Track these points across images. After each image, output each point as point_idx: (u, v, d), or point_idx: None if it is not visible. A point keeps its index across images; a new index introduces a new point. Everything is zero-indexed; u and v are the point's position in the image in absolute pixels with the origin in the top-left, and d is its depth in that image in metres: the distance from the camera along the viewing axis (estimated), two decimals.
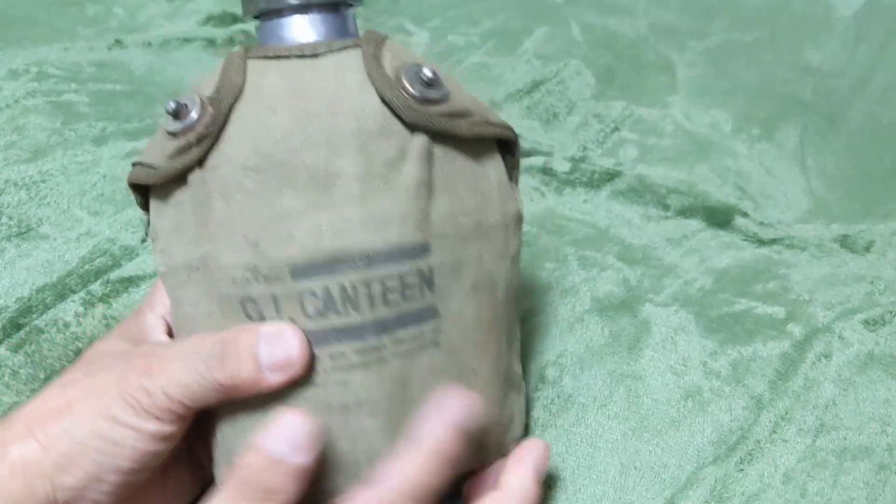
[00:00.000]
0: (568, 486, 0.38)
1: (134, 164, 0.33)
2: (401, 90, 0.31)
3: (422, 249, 0.31)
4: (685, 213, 0.52)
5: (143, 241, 0.39)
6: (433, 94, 0.32)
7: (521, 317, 0.45)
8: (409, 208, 0.31)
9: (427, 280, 0.32)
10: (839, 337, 0.44)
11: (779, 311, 0.46)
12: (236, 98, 0.31)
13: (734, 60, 0.63)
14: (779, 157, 0.56)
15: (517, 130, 0.57)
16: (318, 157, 0.30)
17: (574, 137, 0.57)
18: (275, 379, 0.30)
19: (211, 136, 0.30)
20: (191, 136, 0.31)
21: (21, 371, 0.40)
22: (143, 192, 0.34)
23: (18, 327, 0.42)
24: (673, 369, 0.43)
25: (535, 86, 0.61)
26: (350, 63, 0.31)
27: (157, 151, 0.32)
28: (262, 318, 0.31)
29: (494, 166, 0.35)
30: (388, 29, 0.66)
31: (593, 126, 0.58)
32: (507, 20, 0.67)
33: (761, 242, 0.50)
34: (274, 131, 0.30)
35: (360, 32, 0.34)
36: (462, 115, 0.33)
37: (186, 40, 0.63)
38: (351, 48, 0.32)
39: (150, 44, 0.63)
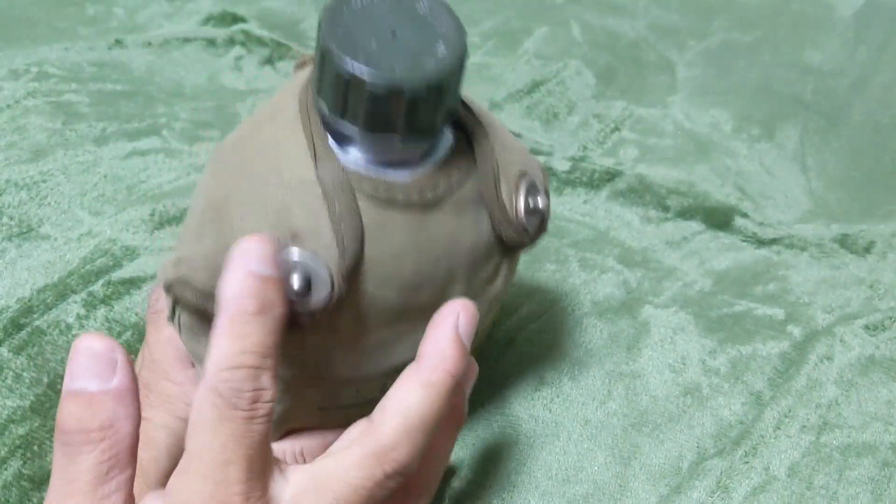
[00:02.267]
0: (570, 475, 0.39)
1: (191, 289, 0.28)
2: (516, 226, 0.30)
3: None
4: (685, 214, 0.52)
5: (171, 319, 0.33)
6: (535, 220, 0.31)
7: (520, 322, 0.45)
8: (489, 307, 0.32)
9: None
10: (840, 340, 0.44)
11: (778, 313, 0.46)
12: (361, 258, 0.27)
13: (734, 60, 0.63)
14: (779, 157, 0.56)
15: (517, 130, 0.57)
16: (433, 294, 0.29)
17: (574, 137, 0.57)
18: None
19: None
20: (318, 316, 0.27)
21: (24, 374, 0.40)
22: None
23: (20, 328, 0.42)
24: (672, 367, 0.43)
25: (535, 86, 0.61)
26: (468, 195, 0.29)
27: None
28: (337, 404, 0.31)
29: None
30: None
31: (593, 126, 0.58)
32: (507, 20, 0.67)
33: (761, 243, 0.50)
34: (395, 283, 0.28)
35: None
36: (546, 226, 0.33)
37: (186, 40, 0.63)
38: (465, 176, 0.29)
39: (150, 44, 0.63)
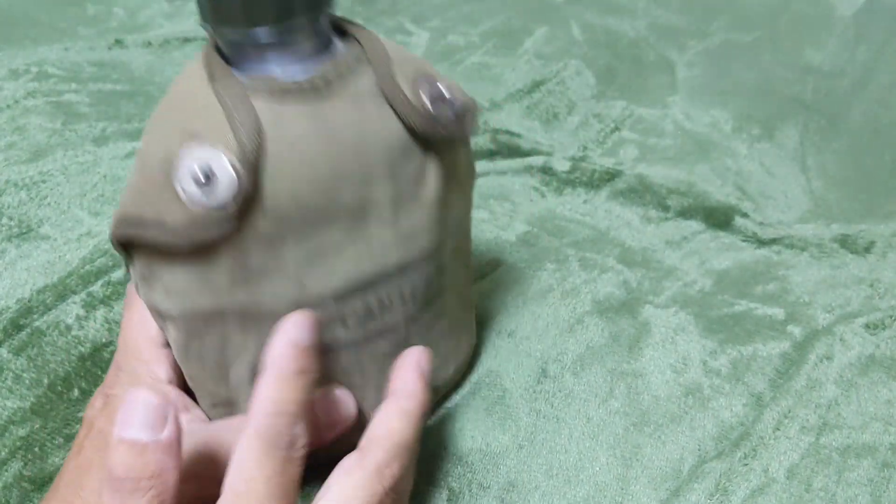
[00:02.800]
0: (571, 476, 0.39)
1: (124, 218, 0.30)
2: (421, 109, 0.31)
3: (441, 246, 0.34)
4: (685, 214, 0.52)
5: (127, 278, 0.35)
6: (446, 108, 0.32)
7: (521, 318, 0.45)
8: (434, 217, 0.33)
9: (442, 269, 0.35)
10: (840, 339, 0.44)
11: (778, 313, 0.46)
12: (262, 148, 0.28)
13: (734, 60, 0.63)
14: (779, 157, 0.56)
15: (517, 130, 0.57)
16: (354, 193, 0.30)
17: (574, 137, 0.57)
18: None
19: (247, 199, 0.28)
20: (231, 209, 0.28)
21: (24, 375, 0.40)
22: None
23: (19, 328, 0.42)
24: (673, 367, 0.43)
25: (535, 86, 0.61)
26: (364, 87, 0.30)
27: (175, 214, 0.28)
28: None
29: (468, 148, 0.37)
30: (387, 29, 0.66)
31: (593, 126, 0.58)
32: (507, 20, 0.67)
33: (761, 243, 0.50)
34: (309, 182, 0.29)
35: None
36: (463, 114, 0.33)
37: (186, 40, 0.63)
38: (358, 67, 0.31)
39: (150, 44, 0.63)
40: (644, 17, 0.67)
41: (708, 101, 0.60)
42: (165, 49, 0.62)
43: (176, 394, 0.35)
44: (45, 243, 0.46)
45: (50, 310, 0.42)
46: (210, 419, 0.35)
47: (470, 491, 0.38)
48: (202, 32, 0.64)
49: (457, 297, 0.37)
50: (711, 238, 0.50)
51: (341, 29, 0.32)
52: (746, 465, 0.39)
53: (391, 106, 0.31)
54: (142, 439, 0.27)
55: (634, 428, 0.40)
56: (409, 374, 0.33)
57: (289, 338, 0.30)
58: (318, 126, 0.29)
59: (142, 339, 0.35)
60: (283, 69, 0.30)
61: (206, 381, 0.34)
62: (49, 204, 0.48)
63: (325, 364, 0.33)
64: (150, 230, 0.29)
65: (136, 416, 0.27)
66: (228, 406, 0.34)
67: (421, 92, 0.31)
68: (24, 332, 0.41)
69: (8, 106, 0.55)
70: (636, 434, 0.40)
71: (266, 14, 0.28)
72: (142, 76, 0.59)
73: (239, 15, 0.28)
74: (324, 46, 0.31)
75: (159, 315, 0.32)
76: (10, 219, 0.47)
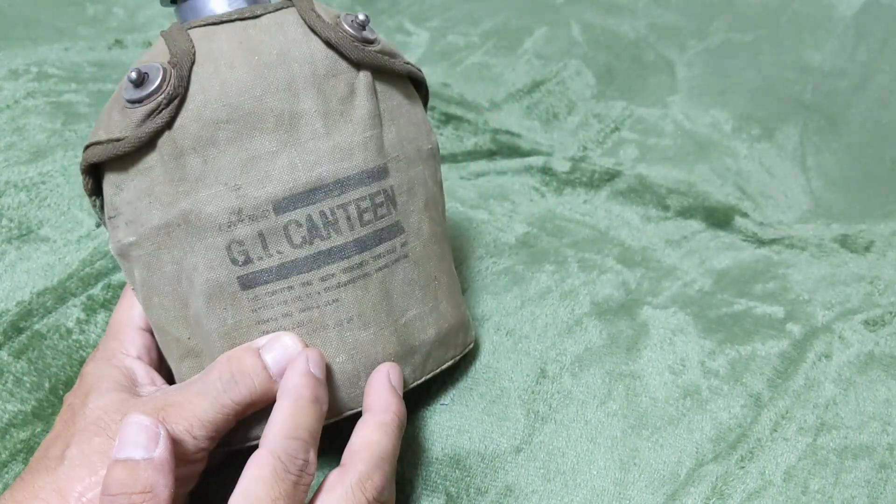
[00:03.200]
0: (568, 480, 0.39)
1: (87, 147, 0.34)
2: (342, 32, 0.35)
3: (383, 171, 0.35)
4: (685, 213, 0.52)
5: (98, 225, 0.40)
6: (369, 35, 0.36)
7: (520, 319, 0.45)
8: (368, 136, 0.35)
9: (391, 199, 0.36)
10: (839, 337, 0.44)
11: (778, 311, 0.46)
12: (193, 61, 0.33)
13: (734, 60, 0.63)
14: (779, 157, 0.56)
15: (517, 130, 0.57)
16: (281, 101, 0.33)
17: (574, 137, 0.57)
18: (281, 377, 0.33)
19: (178, 97, 0.33)
20: (160, 98, 0.32)
21: (25, 379, 0.40)
22: (95, 175, 0.35)
23: (19, 331, 0.42)
24: (671, 369, 0.43)
25: (535, 86, 0.61)
26: (288, 18, 0.35)
27: (120, 124, 0.33)
28: (248, 260, 0.33)
29: (419, 102, 0.39)
30: (387, 29, 0.66)
31: (593, 126, 0.58)
32: (507, 20, 0.67)
33: (761, 242, 0.50)
34: (236, 84, 0.33)
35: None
36: (393, 55, 0.37)
37: None
38: (284, 8, 0.35)
39: (150, 44, 0.63)
40: (644, 17, 0.67)
41: (708, 101, 0.60)
42: None
43: (143, 368, 0.36)
44: (45, 245, 0.46)
45: (50, 313, 0.43)
46: (179, 379, 0.36)
47: (468, 495, 0.38)
48: None
49: (423, 247, 0.38)
50: (711, 237, 0.50)
51: None
52: (743, 468, 0.39)
53: (312, 31, 0.34)
54: (134, 457, 0.29)
55: (632, 430, 0.40)
56: (379, 387, 0.34)
57: (305, 367, 0.33)
58: (243, 41, 0.34)
59: (123, 322, 0.37)
60: (220, 10, 0.35)
61: (169, 327, 0.35)
62: (49, 205, 0.48)
63: (280, 300, 0.34)
64: (103, 147, 0.33)
65: (129, 436, 0.29)
66: (195, 357, 0.35)
67: (341, 20, 0.35)
68: (24, 335, 0.41)
69: (8, 106, 0.55)
70: (634, 437, 0.40)
71: None
72: None
73: None
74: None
75: (126, 258, 0.35)
76: (10, 220, 0.47)
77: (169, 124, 0.33)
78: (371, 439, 0.33)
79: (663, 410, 0.41)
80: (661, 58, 0.64)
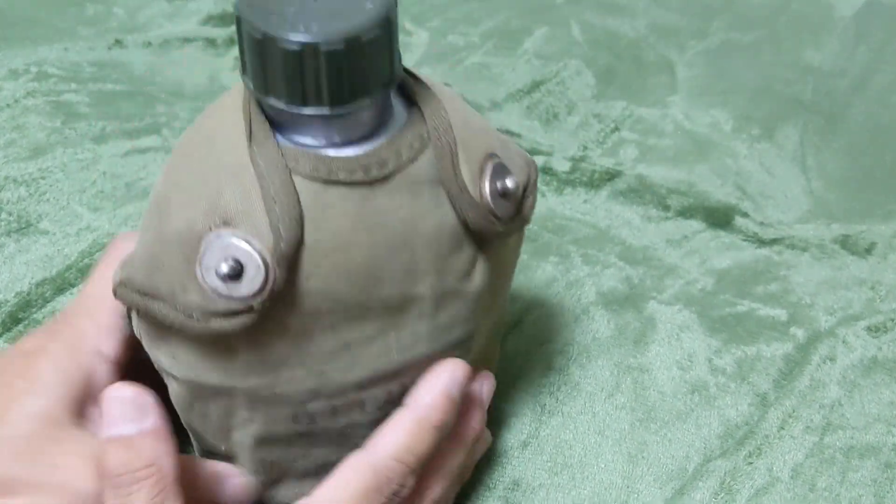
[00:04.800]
0: (576, 473, 0.38)
1: (131, 286, 0.27)
2: (482, 210, 0.28)
3: (475, 334, 0.31)
4: (685, 213, 0.52)
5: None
6: (507, 204, 0.29)
7: (526, 307, 0.45)
8: (473, 308, 0.30)
9: (469, 349, 0.32)
10: (843, 342, 0.44)
11: (781, 314, 0.46)
12: (301, 242, 0.25)
13: (734, 60, 0.63)
14: (779, 157, 0.56)
15: (517, 130, 0.57)
16: (395, 289, 0.27)
17: (574, 137, 0.57)
18: None
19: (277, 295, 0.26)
20: (254, 303, 0.25)
21: None
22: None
23: (18, 321, 0.42)
24: (679, 364, 0.43)
25: (535, 86, 0.61)
26: (423, 173, 0.27)
27: (192, 297, 0.26)
28: (311, 422, 0.30)
29: (520, 236, 0.34)
30: None
31: (593, 126, 0.58)
32: (507, 20, 0.67)
33: (762, 242, 0.50)
34: (347, 274, 0.26)
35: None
36: (525, 216, 0.30)
37: (186, 40, 0.63)
38: (417, 157, 0.27)
39: (150, 44, 0.62)
40: (644, 17, 0.67)
41: (708, 101, 0.60)
42: (165, 49, 0.62)
43: (110, 378, 0.31)
44: (44, 238, 0.46)
45: (48, 303, 0.42)
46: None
47: (474, 491, 0.38)
48: (202, 32, 0.64)
49: (489, 339, 0.34)
50: (712, 237, 0.50)
51: (407, 91, 0.28)
52: (751, 464, 0.39)
53: (449, 198, 0.27)
54: (126, 433, 0.27)
55: (640, 424, 0.40)
56: (435, 383, 0.30)
57: (444, 387, 0.30)
58: (365, 217, 0.26)
59: (102, 297, 0.31)
60: (332, 143, 0.26)
61: (205, 435, 0.31)
62: (48, 200, 0.48)
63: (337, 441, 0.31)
64: (162, 306, 0.26)
65: (115, 413, 0.27)
66: (225, 460, 0.32)
67: (485, 184, 0.28)
68: (22, 325, 0.41)
69: (8, 105, 0.54)
70: (642, 430, 0.40)
71: (321, 95, 0.24)
72: (142, 76, 0.59)
73: (289, 91, 0.24)
74: (383, 118, 0.27)
75: (161, 370, 0.30)
76: (10, 214, 0.47)
77: (259, 315, 0.26)
78: (398, 437, 0.29)
79: (671, 405, 0.41)
80: (662, 58, 0.64)
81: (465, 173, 0.27)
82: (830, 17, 0.66)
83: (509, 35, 0.65)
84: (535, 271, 0.47)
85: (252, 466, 0.32)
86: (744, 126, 0.58)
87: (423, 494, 0.31)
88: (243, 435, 0.30)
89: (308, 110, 0.25)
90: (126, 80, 0.59)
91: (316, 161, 0.25)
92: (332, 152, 0.26)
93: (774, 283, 0.48)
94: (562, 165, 0.55)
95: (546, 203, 0.52)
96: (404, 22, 0.66)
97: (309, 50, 0.23)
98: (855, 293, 0.47)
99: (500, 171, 0.28)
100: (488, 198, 0.28)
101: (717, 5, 0.68)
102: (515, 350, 0.43)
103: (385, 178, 0.26)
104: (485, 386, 0.34)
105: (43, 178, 0.49)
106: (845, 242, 0.50)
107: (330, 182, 0.25)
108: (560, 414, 0.41)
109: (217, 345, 0.27)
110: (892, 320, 0.46)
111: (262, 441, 0.30)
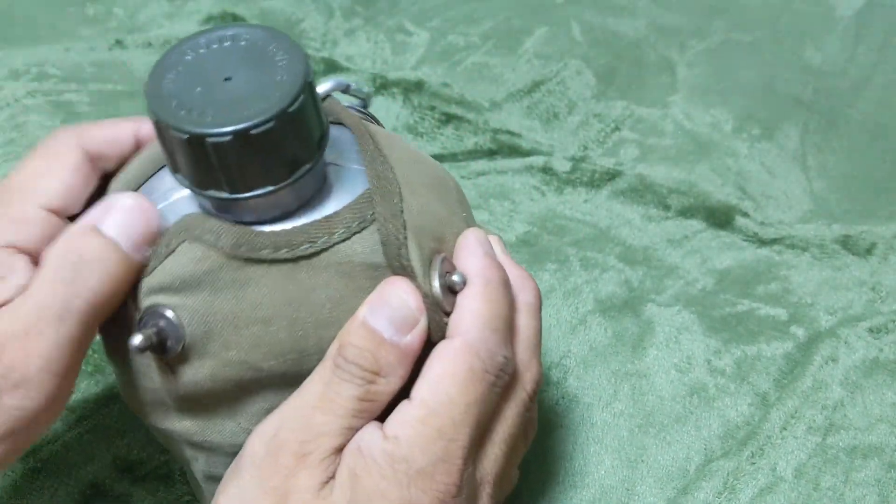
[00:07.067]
0: (577, 481, 0.39)
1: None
2: (433, 305, 0.26)
3: None
4: (686, 213, 0.52)
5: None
6: (451, 297, 0.27)
7: None
8: None
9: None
10: (845, 342, 0.44)
11: (781, 313, 0.46)
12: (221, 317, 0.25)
13: (735, 60, 0.63)
14: (779, 157, 0.56)
15: (517, 130, 0.57)
16: (312, 364, 0.26)
17: (574, 137, 0.57)
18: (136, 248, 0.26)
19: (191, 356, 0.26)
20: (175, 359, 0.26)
21: None
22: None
23: None
24: (677, 367, 0.43)
25: (535, 86, 0.61)
26: (358, 253, 0.26)
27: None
28: None
29: None
30: (388, 29, 0.66)
31: (594, 126, 0.58)
32: (507, 20, 0.67)
33: (762, 242, 0.50)
34: (269, 346, 0.26)
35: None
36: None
37: None
38: (356, 233, 0.26)
39: (150, 44, 0.62)
40: (644, 17, 0.67)
41: (708, 101, 0.60)
42: (165, 49, 0.62)
43: (23, 265, 0.26)
44: None
45: None
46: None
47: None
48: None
49: None
50: (712, 237, 0.50)
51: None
52: (754, 463, 0.39)
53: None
54: (385, 334, 0.25)
55: (639, 429, 0.40)
56: (469, 253, 0.28)
57: (484, 250, 0.27)
58: (288, 293, 0.25)
59: (26, 189, 0.28)
60: (262, 220, 0.26)
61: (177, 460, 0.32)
62: None
63: None
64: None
65: (398, 309, 0.25)
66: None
67: (434, 276, 0.26)
68: None
69: (8, 104, 0.55)
70: (641, 435, 0.40)
71: (218, 181, 0.24)
72: (142, 76, 0.59)
73: (190, 174, 0.25)
74: (318, 187, 0.27)
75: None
76: None
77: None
78: (473, 308, 0.26)
79: (670, 408, 0.41)
80: (662, 58, 0.64)
81: (416, 262, 0.26)
82: (831, 17, 0.66)
83: (509, 35, 0.65)
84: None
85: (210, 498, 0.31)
86: (744, 126, 0.58)
87: (524, 376, 0.28)
88: (196, 469, 0.30)
89: (210, 193, 0.25)
90: (126, 80, 0.59)
91: (240, 236, 0.25)
92: (263, 227, 0.26)
93: (775, 283, 0.48)
94: (562, 165, 0.55)
95: (546, 203, 0.52)
96: (404, 22, 0.66)
97: (196, 140, 0.23)
98: (855, 294, 0.47)
99: (449, 265, 0.27)
100: (438, 291, 0.26)
101: (717, 5, 0.68)
102: None
103: (312, 255, 0.25)
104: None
105: None
106: (846, 243, 0.50)
107: (252, 259, 0.25)
108: (560, 427, 0.41)
109: (154, 396, 0.28)
110: (894, 321, 0.46)
111: (209, 478, 0.30)
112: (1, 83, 0.56)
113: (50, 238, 0.26)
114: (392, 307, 0.25)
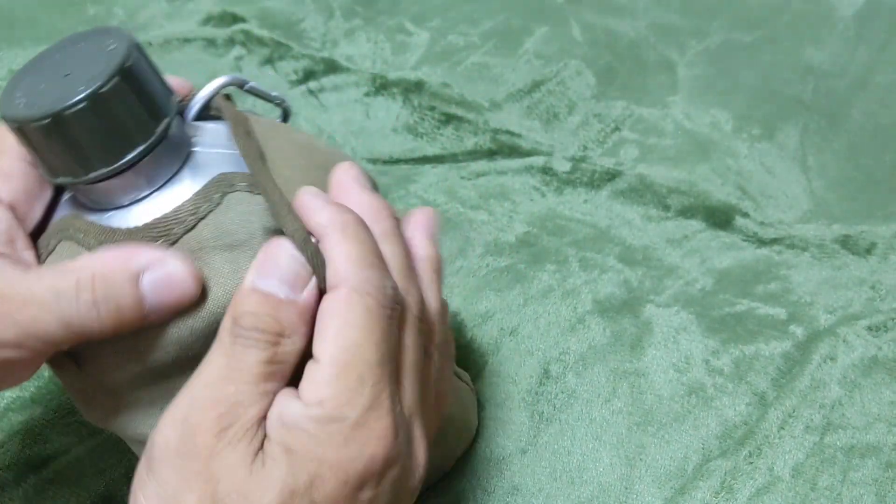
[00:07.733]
0: (575, 478, 0.39)
1: None
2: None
3: None
4: (686, 213, 0.52)
5: None
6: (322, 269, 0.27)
7: (523, 314, 0.45)
8: None
9: None
10: (843, 341, 0.44)
11: (780, 313, 0.46)
12: None
13: (735, 60, 0.63)
14: (779, 157, 0.56)
15: (517, 130, 0.57)
16: (206, 348, 0.26)
17: (574, 137, 0.57)
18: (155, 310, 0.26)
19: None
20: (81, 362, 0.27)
21: None
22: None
23: None
24: (676, 366, 0.43)
25: (535, 86, 0.61)
26: (208, 238, 0.26)
27: None
28: None
29: None
30: (388, 29, 0.66)
31: (594, 126, 0.58)
32: (507, 20, 0.67)
33: (762, 242, 0.50)
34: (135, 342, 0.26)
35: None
36: None
37: (186, 40, 0.63)
38: (207, 214, 0.26)
39: (150, 44, 0.62)
40: (644, 17, 0.67)
41: (708, 101, 0.60)
42: (165, 49, 0.62)
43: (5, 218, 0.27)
44: None
45: None
46: None
47: (474, 496, 0.38)
48: (202, 33, 0.64)
49: None
50: (712, 237, 0.50)
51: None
52: (752, 463, 0.39)
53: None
54: (278, 294, 0.24)
55: (638, 428, 0.40)
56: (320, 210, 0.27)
57: (325, 200, 0.26)
58: None
59: (5, 151, 0.28)
60: (118, 202, 0.27)
61: None
62: None
63: None
64: None
65: (279, 268, 0.25)
66: None
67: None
68: None
69: None
70: (640, 434, 0.40)
71: (86, 165, 0.26)
72: None
73: (58, 169, 0.26)
74: (175, 171, 0.27)
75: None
76: None
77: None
78: (343, 252, 0.25)
79: (668, 407, 0.41)
80: (662, 58, 0.64)
81: (296, 224, 0.26)
82: (831, 17, 0.66)
83: (509, 35, 0.65)
84: (531, 282, 0.47)
85: None
86: (744, 126, 0.58)
87: (407, 301, 0.27)
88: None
89: (60, 181, 0.26)
90: None
91: (103, 234, 0.26)
92: (108, 214, 0.27)
93: (774, 282, 0.48)
94: (562, 165, 0.55)
95: (546, 203, 0.52)
96: (404, 22, 0.66)
97: (23, 126, 0.25)
98: (855, 293, 0.47)
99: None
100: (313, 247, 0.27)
101: (717, 5, 0.68)
102: (512, 359, 0.43)
103: (172, 246, 0.26)
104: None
105: None
106: (846, 242, 0.50)
107: (95, 244, 0.26)
108: (558, 421, 0.41)
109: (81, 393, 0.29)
110: (893, 320, 0.46)
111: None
112: (1, 83, 0.56)
113: (30, 191, 0.28)
114: (282, 268, 0.25)
